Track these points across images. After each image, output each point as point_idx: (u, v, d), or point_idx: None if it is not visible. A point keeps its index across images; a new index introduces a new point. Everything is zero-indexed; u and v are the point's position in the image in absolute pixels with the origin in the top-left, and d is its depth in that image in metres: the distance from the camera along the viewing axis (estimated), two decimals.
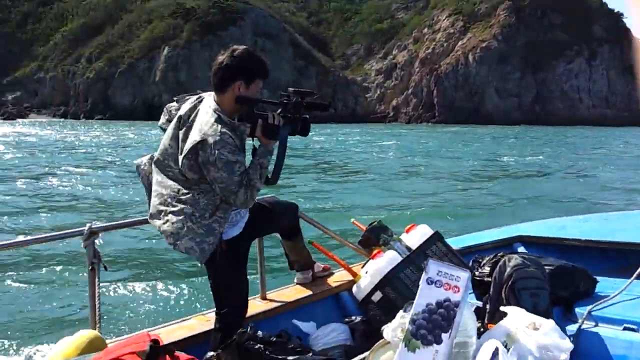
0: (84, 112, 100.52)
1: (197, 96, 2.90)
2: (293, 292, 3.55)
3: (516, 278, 2.60)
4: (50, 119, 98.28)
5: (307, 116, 2.80)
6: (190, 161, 2.64)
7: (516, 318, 2.15)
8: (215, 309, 2.94)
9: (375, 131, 60.67)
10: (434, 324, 1.89)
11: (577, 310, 2.69)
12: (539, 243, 3.96)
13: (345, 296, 3.53)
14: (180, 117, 2.81)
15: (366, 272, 3.21)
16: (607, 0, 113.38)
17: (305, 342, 2.89)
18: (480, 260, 2.96)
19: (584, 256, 3.57)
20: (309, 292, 3.51)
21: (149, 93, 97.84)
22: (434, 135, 50.09)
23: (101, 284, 2.94)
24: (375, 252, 3.35)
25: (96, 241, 2.91)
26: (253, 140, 2.78)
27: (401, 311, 2.08)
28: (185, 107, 2.84)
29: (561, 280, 2.76)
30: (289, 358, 2.33)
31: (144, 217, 3.01)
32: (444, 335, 1.87)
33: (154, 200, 2.82)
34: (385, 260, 3.20)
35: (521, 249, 3.89)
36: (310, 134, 2.90)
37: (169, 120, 2.90)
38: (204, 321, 3.16)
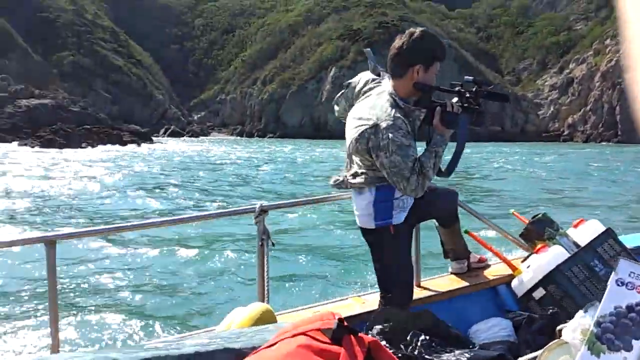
0: (258, 130, 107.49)
1: (372, 77, 2.89)
2: (448, 281, 3.49)
3: None
4: (228, 136, 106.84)
5: (482, 108, 2.69)
6: (360, 145, 2.64)
7: None
8: (379, 291, 2.95)
9: (548, 150, 56.82)
10: (623, 329, 1.74)
11: None
12: None
13: (503, 290, 3.42)
14: (357, 93, 2.87)
15: (528, 267, 3.12)
16: None
17: (463, 334, 2.75)
18: None
19: None
20: (464, 283, 3.44)
21: (316, 113, 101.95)
22: (617, 156, 45.58)
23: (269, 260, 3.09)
24: (539, 246, 3.24)
25: (266, 219, 3.05)
26: (424, 127, 2.73)
27: (581, 311, 2.00)
28: (361, 83, 2.89)
29: None
30: (455, 351, 2.14)
31: (313, 197, 3.13)
32: (635, 343, 1.72)
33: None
34: (551, 256, 3.09)
35: None
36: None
37: (350, 106, 2.91)
38: (360, 303, 3.20)
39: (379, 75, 2.89)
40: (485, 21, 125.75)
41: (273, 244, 3.07)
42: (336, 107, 3.06)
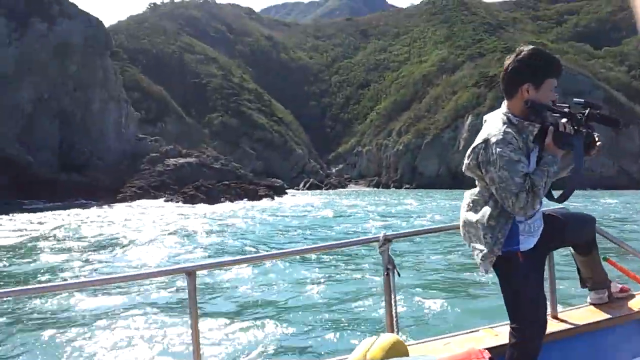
0: (394, 181, 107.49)
1: None
2: (587, 313, 3.26)
3: None
4: (365, 188, 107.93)
5: (593, 132, 2.61)
6: (471, 161, 2.62)
7: None
8: (509, 322, 2.79)
9: None
10: None
11: None
12: None
13: None
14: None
15: None
16: None
17: None
18: None
19: None
20: (606, 315, 3.19)
21: (453, 162, 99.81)
22: None
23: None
24: None
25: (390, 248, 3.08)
26: (535, 146, 2.64)
27: None
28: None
29: None
30: None
31: (439, 226, 3.17)
32: None
33: None
34: None
35: None
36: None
37: None
38: (492, 335, 3.11)
39: None
40: (638, 58, 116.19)
41: (399, 274, 3.08)
42: None
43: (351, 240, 3.49)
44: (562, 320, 3.21)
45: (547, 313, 3.08)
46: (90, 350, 6.64)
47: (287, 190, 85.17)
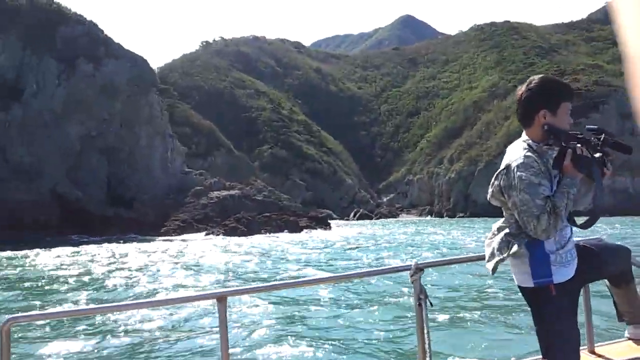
0: (447, 210, 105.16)
1: None
2: (626, 348, 3.17)
3: None
4: (417, 217, 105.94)
5: (612, 156, 2.61)
6: (494, 188, 2.66)
7: None
8: (542, 356, 2.73)
9: None
10: None
11: None
12: None
13: None
14: None
15: None
16: None
17: None
18: None
19: None
20: None
21: None
22: None
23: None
24: None
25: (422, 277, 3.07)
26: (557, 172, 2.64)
27: None
28: None
29: None
30: None
31: (472, 255, 3.12)
32: None
33: None
34: None
35: None
36: None
37: None
38: None
39: None
40: None
41: (431, 304, 3.04)
42: None
43: (382, 268, 3.66)
44: (599, 355, 3.16)
45: (584, 347, 3.07)
46: None
47: (335, 221, 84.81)
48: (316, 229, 49.52)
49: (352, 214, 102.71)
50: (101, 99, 50.64)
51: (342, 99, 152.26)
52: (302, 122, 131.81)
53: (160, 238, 41.73)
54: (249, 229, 44.70)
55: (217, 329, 2.86)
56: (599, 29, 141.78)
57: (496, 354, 6.50)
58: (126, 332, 8.92)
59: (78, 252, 28.66)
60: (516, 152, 2.62)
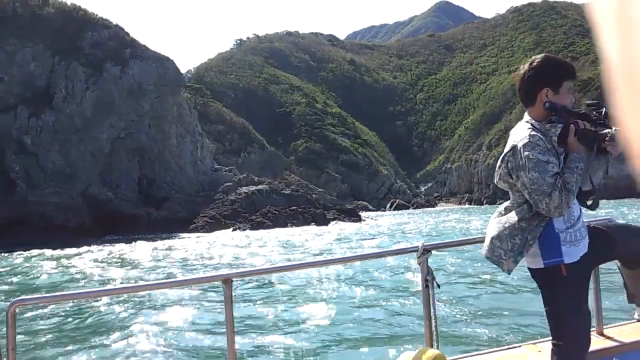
0: (486, 197, 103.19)
1: None
2: (635, 330, 3.18)
3: None
4: (456, 206, 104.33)
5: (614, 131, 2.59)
6: (502, 170, 2.65)
7: None
8: (551, 339, 2.73)
9: None
10: None
11: None
12: None
13: None
14: None
15: None
16: None
17: None
18: None
19: None
20: None
21: None
22: None
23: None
24: None
25: (429, 259, 3.06)
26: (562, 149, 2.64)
27: None
28: None
29: None
30: None
31: (479, 237, 3.11)
32: None
33: None
34: None
35: None
36: None
37: None
38: (536, 351, 3.07)
39: None
40: None
41: (438, 286, 3.03)
42: None
43: (389, 249, 3.61)
44: (608, 337, 3.13)
45: (593, 329, 3.03)
46: (125, 353, 7.11)
47: (370, 212, 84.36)
48: (344, 221, 49.38)
49: (388, 205, 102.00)
50: (129, 100, 51.78)
51: (377, 89, 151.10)
52: (336, 115, 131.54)
53: (184, 235, 42.34)
54: (275, 223, 44.92)
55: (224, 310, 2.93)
56: None
57: (507, 337, 6.40)
58: (128, 315, 9.13)
59: (110, 250, 29.38)
60: (521, 133, 2.61)
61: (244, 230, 43.29)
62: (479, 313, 7.90)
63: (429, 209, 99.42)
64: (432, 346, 2.92)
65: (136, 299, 10.34)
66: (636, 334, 3.11)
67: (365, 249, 21.00)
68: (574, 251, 2.61)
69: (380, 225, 41.87)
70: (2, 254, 29.98)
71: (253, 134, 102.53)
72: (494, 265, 2.72)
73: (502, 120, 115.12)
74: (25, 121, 47.88)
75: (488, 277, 10.53)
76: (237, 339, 3.68)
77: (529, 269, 2.72)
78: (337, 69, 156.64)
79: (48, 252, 28.84)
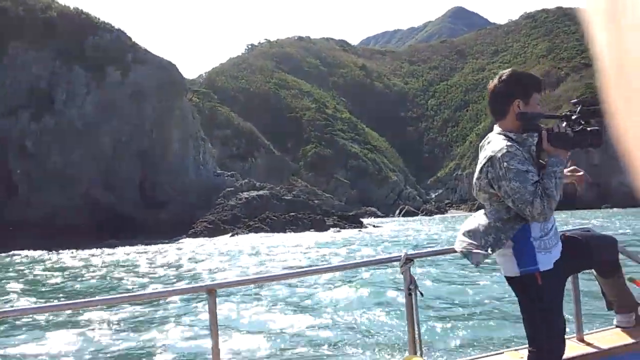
0: None
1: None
2: (614, 336, 3.23)
3: None
4: (466, 213, 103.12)
5: (599, 128, 2.60)
6: (481, 181, 2.67)
7: None
8: (528, 345, 2.79)
9: None
10: None
11: None
12: None
13: None
14: None
15: None
16: None
17: None
18: None
19: None
20: (633, 339, 3.14)
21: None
22: None
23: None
24: None
25: (412, 268, 3.10)
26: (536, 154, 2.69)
27: None
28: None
29: None
30: None
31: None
32: None
33: None
34: None
35: None
36: None
37: None
38: (517, 358, 3.11)
39: None
40: None
41: (421, 294, 3.09)
42: None
43: (372, 259, 3.75)
44: (588, 344, 3.20)
45: (573, 336, 3.19)
46: None
47: (377, 219, 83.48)
48: (345, 227, 48.73)
49: (397, 211, 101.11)
50: (131, 104, 51.78)
51: (388, 95, 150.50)
52: (346, 120, 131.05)
53: (183, 240, 42.04)
54: (273, 229, 44.44)
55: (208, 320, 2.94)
56: None
57: (485, 344, 6.46)
58: (115, 324, 9.03)
59: (104, 255, 29.18)
60: (497, 144, 2.64)
61: (242, 234, 42.90)
62: (462, 320, 7.95)
63: (438, 215, 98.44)
64: (416, 354, 2.99)
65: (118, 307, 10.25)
66: (616, 340, 3.16)
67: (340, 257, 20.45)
68: (547, 258, 2.64)
69: (381, 235, 41.19)
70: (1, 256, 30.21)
71: (260, 139, 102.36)
72: (475, 269, 2.65)
73: None
74: (27, 124, 48.01)
75: (472, 284, 10.63)
76: (222, 347, 3.53)
77: (506, 277, 2.76)
78: (348, 74, 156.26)
79: (45, 255, 28.90)
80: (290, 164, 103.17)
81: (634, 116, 0.41)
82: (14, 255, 31.03)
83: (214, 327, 2.86)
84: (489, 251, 2.65)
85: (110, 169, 50.75)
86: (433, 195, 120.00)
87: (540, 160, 2.67)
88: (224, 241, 37.73)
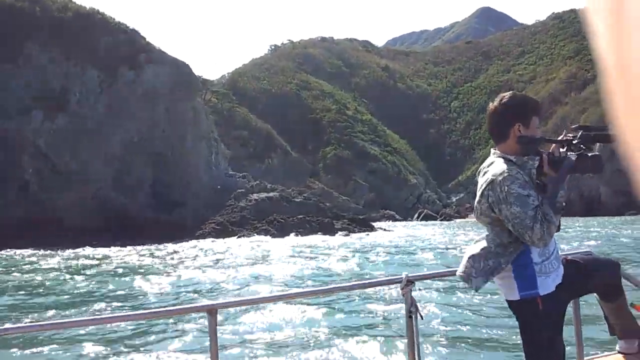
0: None
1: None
2: None
3: None
4: None
5: (598, 153, 2.64)
6: (482, 205, 2.68)
7: None
8: None
9: None
10: None
11: None
12: None
13: None
14: None
15: None
16: None
17: None
18: None
19: None
20: None
21: (585, 186, 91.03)
22: None
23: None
24: None
25: (414, 291, 3.08)
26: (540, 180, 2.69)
27: None
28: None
29: None
30: None
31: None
32: None
33: None
34: None
35: None
36: None
37: None
38: None
39: None
40: None
41: (422, 317, 3.05)
42: None
43: (373, 280, 3.58)
44: None
45: None
46: None
47: (395, 222, 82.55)
48: (354, 231, 48.07)
49: (416, 215, 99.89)
50: (144, 105, 51.91)
51: (411, 96, 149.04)
52: (367, 122, 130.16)
53: (190, 242, 41.89)
54: (280, 231, 44.04)
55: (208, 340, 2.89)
56: None
57: None
58: (113, 343, 8.84)
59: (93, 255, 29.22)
60: (498, 167, 2.64)
61: (248, 237, 42.59)
62: (463, 343, 7.90)
63: (457, 220, 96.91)
64: None
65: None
66: None
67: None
68: (548, 282, 2.64)
69: (391, 240, 40.44)
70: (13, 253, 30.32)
71: (277, 140, 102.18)
72: (476, 295, 2.45)
73: (540, 128, 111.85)
74: (40, 124, 48.48)
75: (473, 306, 10.59)
76: None
77: (507, 300, 2.75)
78: (370, 75, 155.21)
79: (56, 254, 29.19)
80: (307, 166, 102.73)
81: (636, 117, 0.40)
82: (18, 254, 31.27)
83: (214, 348, 2.81)
84: (489, 278, 2.67)
85: (122, 169, 50.96)
86: (454, 199, 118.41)
87: (537, 181, 2.64)
88: (226, 244, 37.44)
